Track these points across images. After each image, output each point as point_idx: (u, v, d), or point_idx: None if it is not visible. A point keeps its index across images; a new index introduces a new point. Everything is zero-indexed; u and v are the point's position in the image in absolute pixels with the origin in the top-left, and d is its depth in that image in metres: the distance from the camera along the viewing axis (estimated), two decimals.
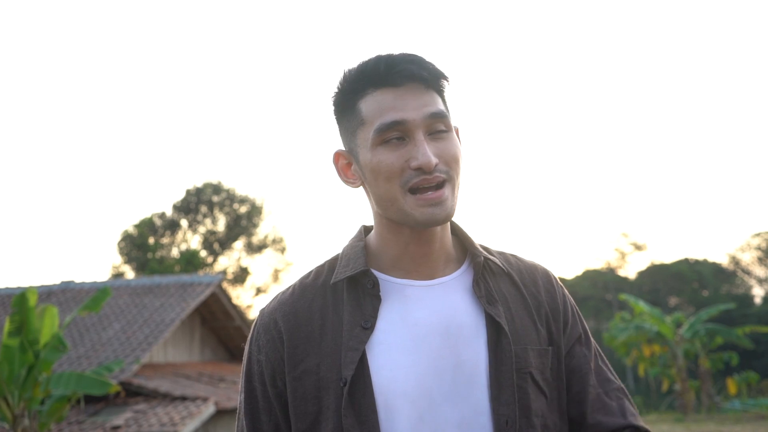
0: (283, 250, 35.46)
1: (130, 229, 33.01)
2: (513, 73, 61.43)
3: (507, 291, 1.41)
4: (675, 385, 20.89)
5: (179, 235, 34.87)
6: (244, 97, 58.31)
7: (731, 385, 21.75)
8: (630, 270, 46.45)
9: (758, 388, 22.89)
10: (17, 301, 9.03)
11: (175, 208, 35.15)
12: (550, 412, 1.36)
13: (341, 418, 1.28)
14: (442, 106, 1.33)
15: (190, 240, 34.98)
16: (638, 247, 46.69)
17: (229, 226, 34.96)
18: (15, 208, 55.54)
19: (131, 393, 13.29)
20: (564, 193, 65.64)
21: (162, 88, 57.56)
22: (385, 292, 1.36)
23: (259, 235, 35.24)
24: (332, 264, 1.43)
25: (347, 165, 1.39)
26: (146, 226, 33.39)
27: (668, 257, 55.07)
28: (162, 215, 34.92)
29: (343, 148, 1.40)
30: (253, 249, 35.16)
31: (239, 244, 35.16)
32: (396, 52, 1.34)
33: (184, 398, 12.86)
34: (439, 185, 1.30)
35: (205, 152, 55.99)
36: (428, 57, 1.35)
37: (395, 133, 1.30)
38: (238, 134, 57.58)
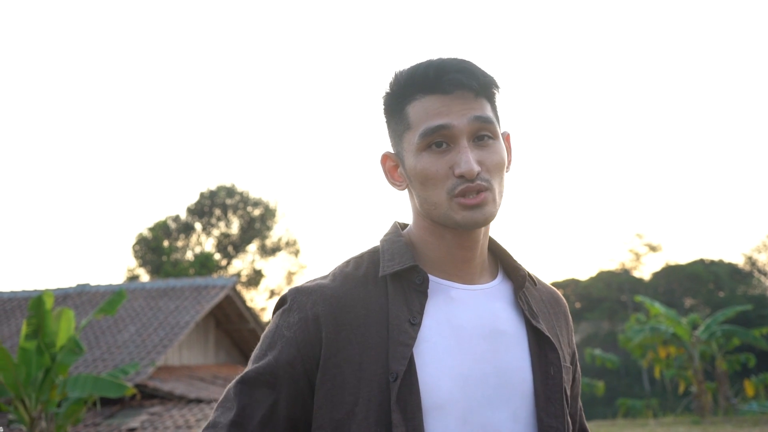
0: (296, 253, 35.52)
1: (145, 232, 33.14)
2: (526, 73, 61.30)
3: (537, 307, 1.44)
4: (691, 387, 20.74)
5: (193, 238, 34.99)
6: (258, 100, 58.49)
7: (748, 386, 21.57)
8: (645, 271, 46.32)
9: None
10: (34, 305, 9.08)
11: (189, 211, 35.28)
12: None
13: (386, 413, 1.26)
14: (489, 113, 1.33)
15: (204, 243, 35.10)
16: (653, 248, 46.46)
17: (243, 229, 35.04)
18: (31, 212, 55.94)
19: (147, 395, 13.34)
20: (578, 193, 65.44)
21: (176, 92, 57.86)
22: (431, 291, 1.35)
23: (273, 237, 35.32)
24: (372, 256, 1.41)
25: (394, 167, 1.40)
26: (160, 229, 33.52)
27: (683, 258, 54.86)
28: (176, 218, 35.05)
29: (392, 150, 1.41)
30: (266, 252, 35.23)
31: (253, 247, 35.24)
32: (447, 56, 1.34)
33: (199, 401, 12.90)
34: (480, 191, 1.31)
35: (218, 155, 56.20)
36: (479, 63, 1.36)
37: (439, 138, 1.31)
38: (252, 137, 57.77)
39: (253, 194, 36.05)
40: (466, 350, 1.32)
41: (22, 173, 53.59)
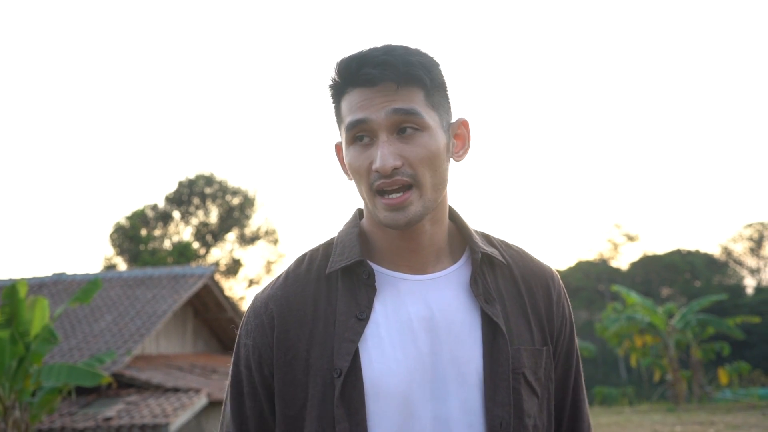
0: (275, 242, 35.43)
1: (123, 221, 32.90)
2: (506, 67, 61.38)
3: (504, 287, 1.39)
4: (667, 375, 20.96)
5: (171, 227, 34.79)
6: (237, 89, 58.14)
7: (722, 375, 21.85)
8: (622, 261, 46.64)
9: (749, 378, 22.99)
10: (7, 293, 9.00)
11: (168, 199, 35.06)
12: (539, 413, 1.36)
13: (329, 408, 1.27)
14: (413, 104, 1.27)
15: (183, 232, 34.92)
16: (631, 238, 46.82)
17: (222, 218, 34.89)
18: (7, 201, 55.32)
19: (123, 384, 13.26)
20: (557, 184, 65.74)
21: (154, 81, 57.35)
22: (378, 284, 1.34)
23: (252, 226, 35.20)
24: (326, 250, 1.41)
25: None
26: (138, 218, 33.29)
27: (661, 248, 55.30)
28: (154, 207, 34.83)
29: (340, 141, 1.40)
30: (245, 241, 35.11)
31: (232, 236, 35.11)
32: (379, 45, 1.30)
33: (176, 390, 12.85)
34: (404, 188, 1.27)
35: (197, 144, 55.85)
36: (413, 50, 1.30)
37: (360, 132, 1.29)
38: (231, 126, 57.44)
39: (232, 183, 35.95)
40: (414, 343, 1.30)
41: None
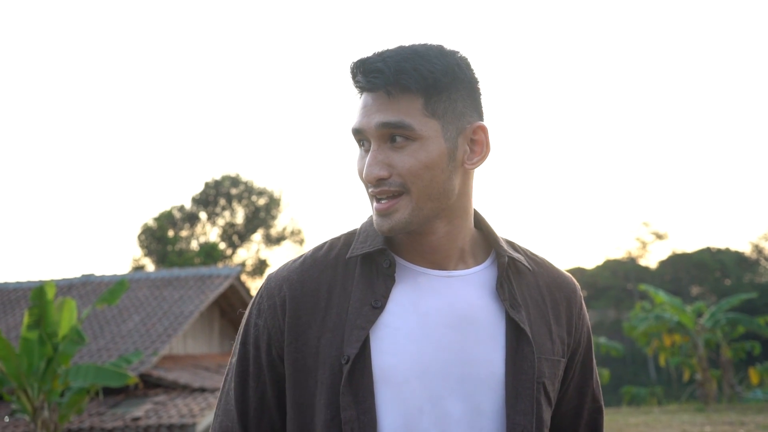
0: (301, 242, 35.56)
1: (150, 222, 33.21)
2: (535, 65, 61.04)
3: (528, 294, 1.36)
4: (696, 375, 20.68)
5: (198, 228, 35.06)
6: (262, 90, 58.40)
7: (753, 374, 21.53)
8: (651, 259, 46.34)
9: None
10: (35, 295, 9.10)
11: (194, 200, 35.33)
12: (550, 422, 1.37)
13: (336, 395, 1.24)
14: (402, 116, 1.23)
15: (209, 232, 35.17)
16: (659, 236, 46.36)
17: (248, 219, 35.08)
18: (37, 203, 56.07)
19: (151, 385, 13.38)
20: (585, 182, 65.25)
21: (181, 82, 57.80)
22: (398, 275, 1.32)
23: (278, 227, 35.36)
24: (348, 238, 1.39)
25: None
26: (166, 219, 33.59)
27: (690, 246, 54.66)
28: (181, 208, 35.11)
29: None
30: (271, 241, 35.27)
31: (258, 236, 35.30)
32: (379, 51, 1.27)
33: (203, 390, 12.94)
34: (393, 195, 1.26)
35: (223, 145, 56.19)
36: (417, 53, 1.24)
37: (360, 138, 1.30)
38: (256, 127, 57.71)
39: (258, 183, 36.22)
40: (430, 338, 1.27)
41: (27, 164, 53.70)
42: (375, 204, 1.28)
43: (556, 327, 1.37)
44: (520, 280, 1.37)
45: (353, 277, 1.32)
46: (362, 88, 1.28)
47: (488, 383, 1.28)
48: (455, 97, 1.27)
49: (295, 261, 1.38)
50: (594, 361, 1.46)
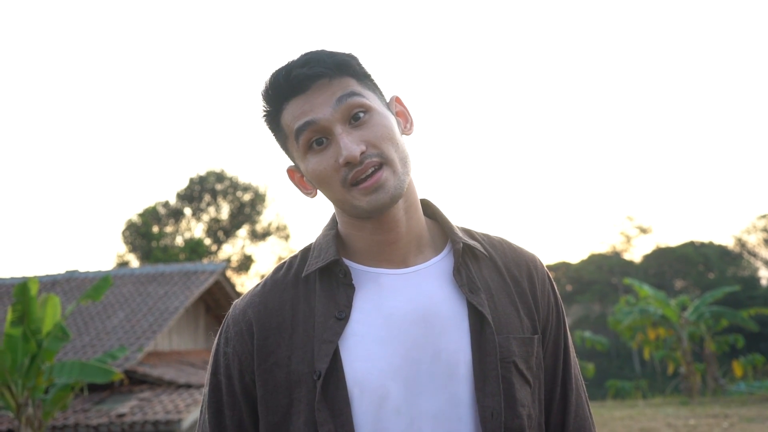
0: (286, 238, 35.50)
1: (135, 218, 33.03)
2: (520, 60, 61.17)
3: (489, 277, 1.37)
4: (680, 368, 20.85)
5: (183, 224, 34.91)
6: (247, 86, 58.20)
7: (737, 367, 21.72)
8: (635, 253, 46.56)
9: (764, 370, 22.82)
10: (19, 291, 9.04)
11: (179, 196, 35.18)
12: (532, 402, 1.33)
13: (314, 412, 1.24)
14: (354, 87, 1.31)
15: (194, 228, 35.03)
16: (643, 231, 46.65)
17: (233, 214, 34.98)
18: (20, 199, 55.64)
19: (136, 381, 13.33)
20: (569, 176, 65.50)
21: (165, 78, 57.49)
22: (358, 281, 1.33)
23: (263, 222, 35.27)
24: (305, 255, 1.41)
25: (301, 177, 1.40)
26: (150, 215, 33.43)
27: (674, 240, 55.07)
28: (166, 204, 34.95)
29: (292, 164, 1.40)
30: (256, 237, 35.19)
31: (243, 232, 35.20)
32: (296, 55, 1.32)
33: (188, 386, 12.89)
34: (377, 169, 1.27)
35: (208, 141, 55.96)
36: (327, 47, 1.34)
37: (313, 135, 1.30)
38: (241, 122, 57.54)
39: (243, 179, 36.01)
40: (398, 338, 1.28)
41: (10, 160, 53.26)
42: (357, 188, 1.28)
43: (521, 305, 1.37)
44: (480, 265, 1.38)
45: (315, 292, 1.33)
46: (299, 84, 1.29)
47: (460, 372, 1.28)
48: (371, 80, 1.37)
49: (256, 286, 1.41)
50: (567, 342, 1.43)
